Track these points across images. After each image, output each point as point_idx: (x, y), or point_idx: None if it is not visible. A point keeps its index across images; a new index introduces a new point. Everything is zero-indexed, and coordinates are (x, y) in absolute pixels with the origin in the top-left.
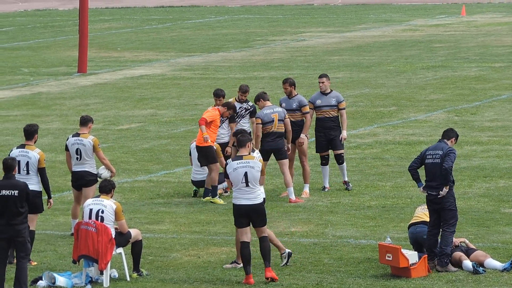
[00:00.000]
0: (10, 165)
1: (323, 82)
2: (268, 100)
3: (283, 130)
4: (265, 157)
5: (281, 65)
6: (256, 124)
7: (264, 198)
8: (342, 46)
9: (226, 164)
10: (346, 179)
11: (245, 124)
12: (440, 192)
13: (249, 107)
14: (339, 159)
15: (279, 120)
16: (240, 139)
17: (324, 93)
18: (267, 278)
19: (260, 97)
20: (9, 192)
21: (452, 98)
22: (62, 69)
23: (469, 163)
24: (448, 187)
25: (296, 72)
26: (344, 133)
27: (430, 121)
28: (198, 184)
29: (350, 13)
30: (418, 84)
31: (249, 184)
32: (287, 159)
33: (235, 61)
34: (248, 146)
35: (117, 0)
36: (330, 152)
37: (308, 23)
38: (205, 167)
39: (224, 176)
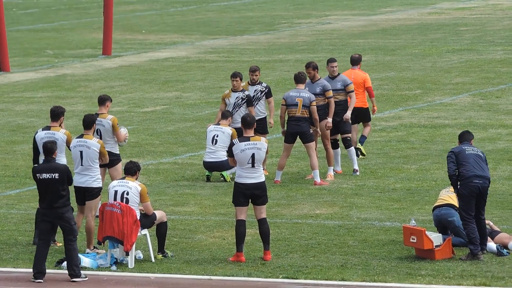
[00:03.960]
0: (50, 148)
1: (335, 67)
2: (301, 83)
3: (308, 115)
4: (290, 140)
5: (306, 48)
6: (281, 105)
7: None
8: (367, 29)
9: (233, 144)
10: (355, 167)
11: (262, 106)
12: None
13: (264, 88)
14: (345, 143)
15: (303, 105)
16: (247, 120)
17: (331, 77)
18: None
19: (294, 78)
20: (49, 175)
21: (477, 81)
22: (87, 51)
23: (494, 146)
24: None
25: (321, 55)
26: (348, 114)
27: (455, 104)
28: (209, 165)
29: None
30: (443, 68)
31: (255, 165)
32: (313, 142)
33: (260, 44)
34: (255, 126)
35: None
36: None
37: (334, 6)
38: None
39: (228, 155)
